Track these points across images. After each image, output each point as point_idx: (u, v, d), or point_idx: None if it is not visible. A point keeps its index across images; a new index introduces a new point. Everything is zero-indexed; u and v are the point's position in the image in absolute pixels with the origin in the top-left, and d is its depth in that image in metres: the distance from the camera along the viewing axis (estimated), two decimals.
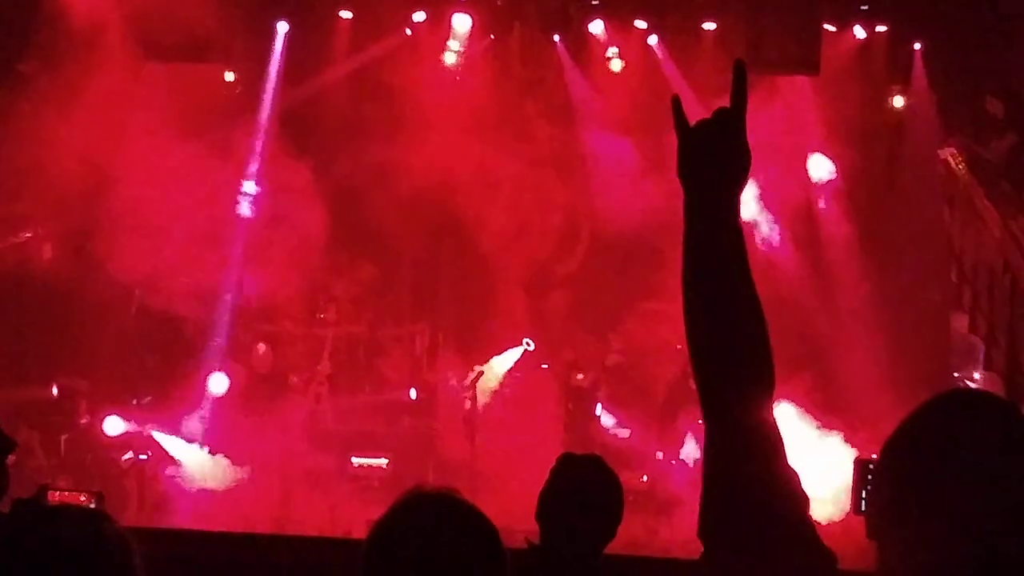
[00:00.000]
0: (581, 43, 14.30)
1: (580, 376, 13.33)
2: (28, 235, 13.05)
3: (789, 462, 1.97)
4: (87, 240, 13.13)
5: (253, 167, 14.07)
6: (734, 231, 2.01)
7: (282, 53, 14.17)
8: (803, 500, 1.96)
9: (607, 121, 14.37)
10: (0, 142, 12.67)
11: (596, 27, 14.07)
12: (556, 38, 14.27)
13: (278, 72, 14.22)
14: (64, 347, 13.11)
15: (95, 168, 13.24)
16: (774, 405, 1.98)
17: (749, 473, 1.94)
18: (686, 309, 2.02)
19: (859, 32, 13.44)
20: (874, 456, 1.91)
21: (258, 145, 14.10)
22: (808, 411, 12.19)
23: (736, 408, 1.96)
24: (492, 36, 14.28)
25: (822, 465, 11.04)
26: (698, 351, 2.00)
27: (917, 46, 13.53)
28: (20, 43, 12.89)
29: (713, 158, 2.05)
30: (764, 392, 1.98)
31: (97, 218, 13.35)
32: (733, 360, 1.97)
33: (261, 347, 13.22)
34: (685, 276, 2.02)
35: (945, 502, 1.76)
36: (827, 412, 12.39)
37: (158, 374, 13.34)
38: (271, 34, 14.10)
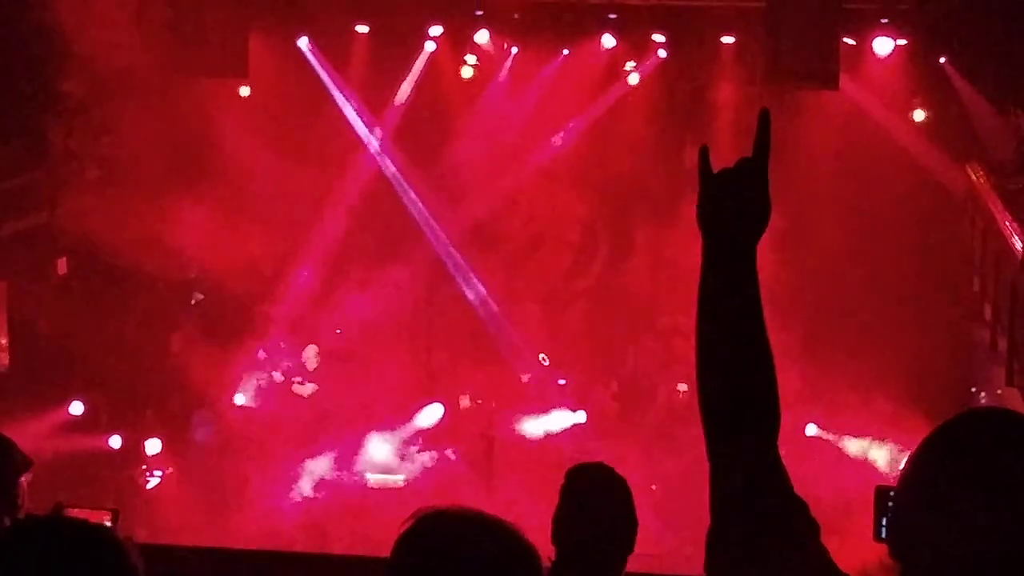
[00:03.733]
0: (596, 56, 14.31)
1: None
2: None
3: (795, 493, 1.99)
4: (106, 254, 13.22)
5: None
6: (750, 279, 2.04)
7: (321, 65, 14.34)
8: (813, 528, 1.97)
9: (622, 134, 14.37)
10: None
11: (611, 40, 14.08)
12: (565, 52, 14.29)
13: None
14: (81, 361, 13.14)
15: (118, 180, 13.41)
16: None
17: (755, 506, 1.95)
18: (698, 350, 2.05)
19: (879, 46, 13.39)
20: (893, 484, 1.91)
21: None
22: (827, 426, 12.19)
23: (742, 446, 1.99)
24: (515, 50, 14.30)
25: None
26: (707, 391, 2.04)
27: (943, 60, 13.47)
28: (59, 63, 13.00)
29: (734, 207, 2.07)
30: (769, 430, 2.01)
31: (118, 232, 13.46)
32: (741, 402, 2.01)
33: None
34: (699, 320, 2.06)
35: (967, 522, 1.73)
36: (845, 428, 12.35)
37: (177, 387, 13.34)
38: (288, 49, 14.15)
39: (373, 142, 14.59)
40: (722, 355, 2.03)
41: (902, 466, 1.86)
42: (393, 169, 14.63)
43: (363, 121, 14.62)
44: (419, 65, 14.40)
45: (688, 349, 2.08)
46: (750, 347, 2.03)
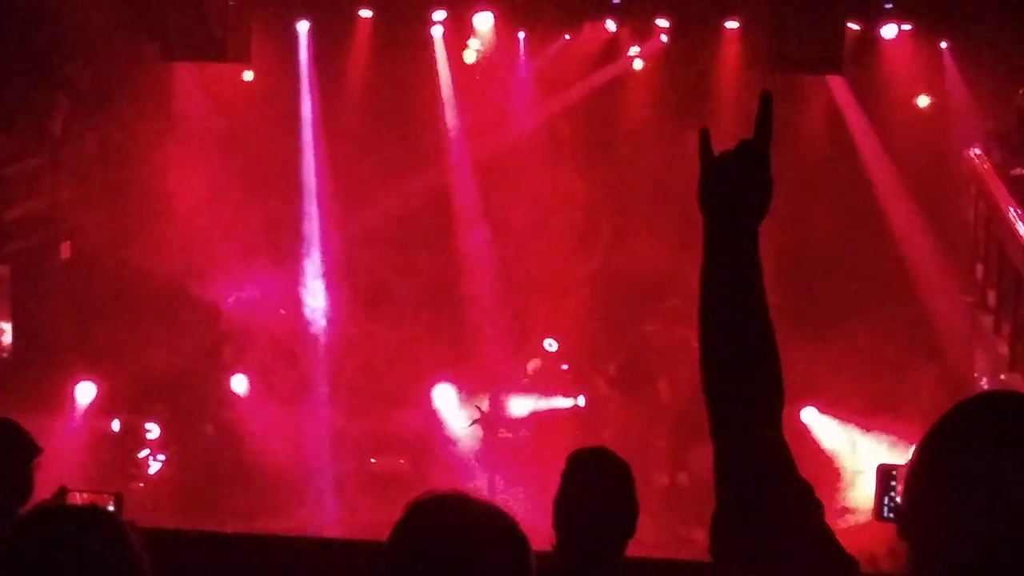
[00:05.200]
0: (599, 41, 14.29)
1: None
2: None
3: (800, 474, 2.00)
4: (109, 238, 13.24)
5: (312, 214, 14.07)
6: (752, 261, 2.04)
7: (309, 54, 14.21)
8: (818, 509, 1.98)
9: (624, 119, 14.36)
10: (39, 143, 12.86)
11: (613, 25, 14.05)
12: (566, 37, 14.27)
13: (309, 75, 14.25)
14: (84, 344, 13.16)
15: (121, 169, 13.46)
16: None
17: (761, 488, 1.97)
18: (701, 332, 2.06)
19: (883, 30, 13.36)
20: (896, 463, 1.92)
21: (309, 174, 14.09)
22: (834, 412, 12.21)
23: (747, 425, 1.99)
24: (522, 35, 14.28)
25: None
26: (711, 372, 2.05)
27: (944, 45, 13.47)
28: (62, 49, 13.03)
29: (735, 189, 2.07)
30: (774, 410, 2.02)
31: (120, 217, 13.52)
32: (745, 383, 2.01)
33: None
34: (702, 301, 2.06)
35: (979, 502, 1.73)
36: (850, 414, 12.35)
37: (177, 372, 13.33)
38: (290, 33, 14.12)
39: (308, 152, 14.38)
40: (725, 336, 2.04)
41: (912, 449, 1.86)
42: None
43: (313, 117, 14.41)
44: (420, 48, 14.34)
45: (691, 335, 2.09)
46: (753, 328, 2.03)
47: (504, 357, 13.51)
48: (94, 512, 2.29)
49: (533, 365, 13.52)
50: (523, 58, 14.43)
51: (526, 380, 13.48)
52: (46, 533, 2.19)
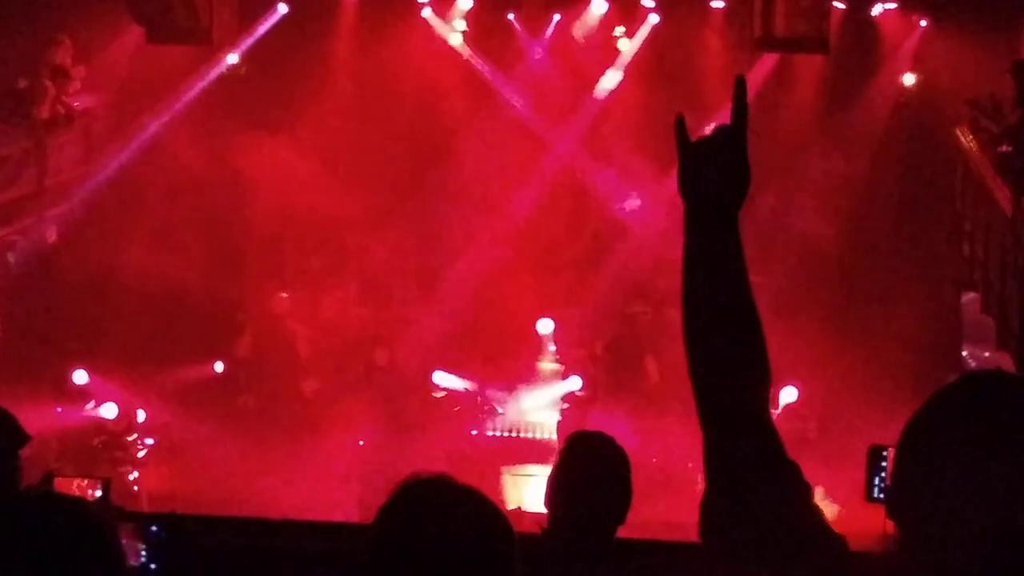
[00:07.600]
0: (587, 21, 14.27)
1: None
2: None
3: (787, 455, 1.99)
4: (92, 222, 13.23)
5: None
6: (733, 245, 2.04)
7: (265, 35, 14.15)
8: (806, 489, 1.98)
9: (611, 99, 14.37)
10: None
11: (601, 6, 14.03)
12: (556, 17, 14.24)
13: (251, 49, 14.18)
14: (71, 328, 13.14)
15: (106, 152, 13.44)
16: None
17: (749, 469, 1.96)
18: (685, 317, 2.05)
19: (869, 8, 13.39)
20: (886, 444, 1.92)
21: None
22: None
23: (734, 408, 2.00)
24: (511, 16, 14.26)
25: None
26: (696, 356, 2.04)
27: (923, 23, 13.50)
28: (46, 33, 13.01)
29: (713, 174, 2.06)
30: (761, 392, 2.02)
31: (103, 202, 13.50)
32: (731, 366, 2.01)
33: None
34: (684, 287, 2.06)
35: (968, 480, 1.73)
36: (837, 392, 12.38)
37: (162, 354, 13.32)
38: (269, 16, 14.12)
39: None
40: (709, 320, 2.04)
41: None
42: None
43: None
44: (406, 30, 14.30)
45: (678, 315, 2.08)
46: (737, 311, 2.03)
47: (498, 341, 13.53)
48: (65, 504, 2.25)
49: (547, 358, 13.55)
50: (512, 40, 14.41)
51: (538, 375, 13.50)
52: (16, 524, 2.16)
